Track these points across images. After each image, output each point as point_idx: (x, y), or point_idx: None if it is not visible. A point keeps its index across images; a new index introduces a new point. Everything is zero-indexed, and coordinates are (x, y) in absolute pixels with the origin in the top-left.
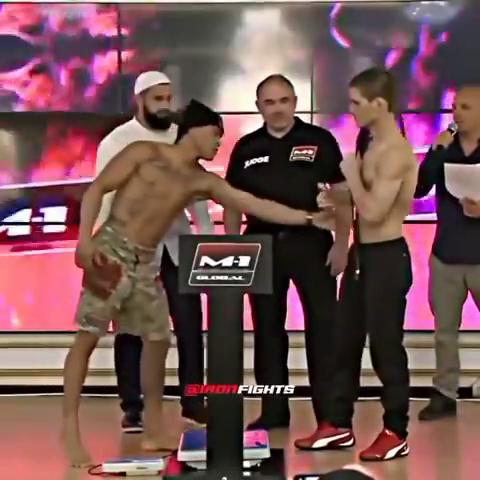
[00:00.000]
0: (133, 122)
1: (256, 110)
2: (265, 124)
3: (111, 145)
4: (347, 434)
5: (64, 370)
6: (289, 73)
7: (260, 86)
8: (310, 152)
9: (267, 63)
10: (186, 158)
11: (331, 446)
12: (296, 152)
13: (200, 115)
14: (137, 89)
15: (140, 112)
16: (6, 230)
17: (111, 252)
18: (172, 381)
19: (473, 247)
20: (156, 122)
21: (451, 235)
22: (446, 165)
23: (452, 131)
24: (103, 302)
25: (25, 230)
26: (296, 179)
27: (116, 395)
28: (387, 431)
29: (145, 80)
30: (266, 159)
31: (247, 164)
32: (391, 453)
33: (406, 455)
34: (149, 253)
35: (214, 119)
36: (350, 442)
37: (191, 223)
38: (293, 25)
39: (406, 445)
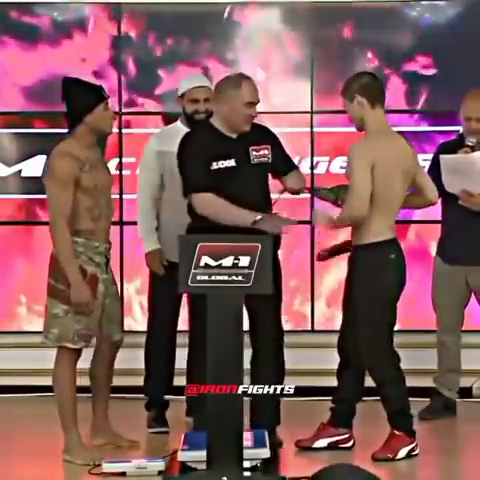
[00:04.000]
0: (177, 123)
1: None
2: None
3: (155, 145)
4: (347, 435)
5: (56, 389)
6: (289, 73)
7: (239, 88)
8: (266, 152)
9: (267, 63)
10: (90, 144)
11: (331, 446)
12: (255, 154)
13: (86, 98)
14: (178, 92)
15: (182, 114)
16: None
17: (87, 261)
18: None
19: (476, 248)
20: (193, 123)
21: (455, 236)
22: (441, 156)
23: (473, 147)
24: (87, 316)
25: None
26: (259, 182)
27: (114, 395)
28: (395, 431)
29: (182, 84)
30: (233, 162)
31: (214, 167)
32: (402, 452)
33: (416, 455)
34: (110, 249)
35: (100, 95)
36: (350, 443)
37: None
38: (293, 25)
39: (416, 445)
